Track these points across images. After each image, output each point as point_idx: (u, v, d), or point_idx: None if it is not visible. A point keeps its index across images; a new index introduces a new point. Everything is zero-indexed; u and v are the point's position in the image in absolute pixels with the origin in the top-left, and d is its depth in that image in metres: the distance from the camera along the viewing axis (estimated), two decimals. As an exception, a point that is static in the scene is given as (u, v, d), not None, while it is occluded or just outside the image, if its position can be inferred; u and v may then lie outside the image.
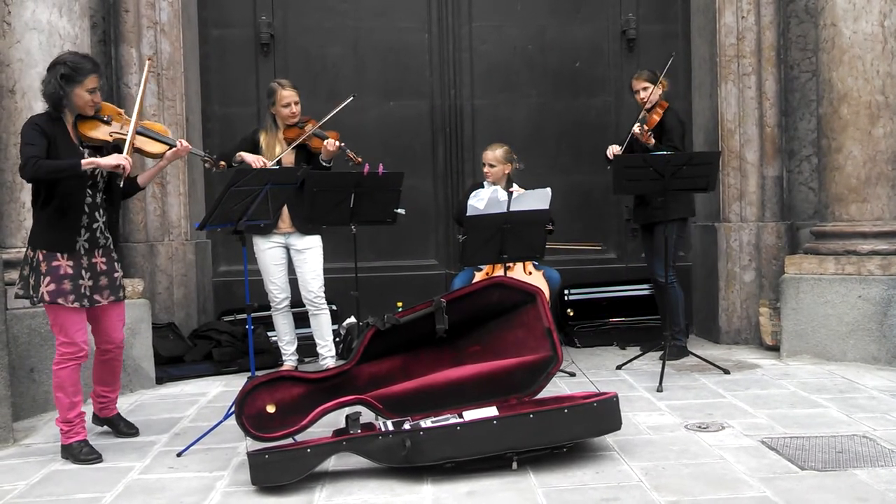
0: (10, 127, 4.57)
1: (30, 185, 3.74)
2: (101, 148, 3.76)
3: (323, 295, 5.06)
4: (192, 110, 5.94)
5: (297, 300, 5.15)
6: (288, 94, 4.98)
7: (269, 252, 5.03)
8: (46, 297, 3.59)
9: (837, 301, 5.19)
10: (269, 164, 4.83)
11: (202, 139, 6.13)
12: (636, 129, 5.19)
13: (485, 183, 5.45)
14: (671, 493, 3.10)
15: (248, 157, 4.83)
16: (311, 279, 5.02)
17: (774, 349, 5.53)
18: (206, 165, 4.16)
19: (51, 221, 3.64)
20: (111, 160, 3.60)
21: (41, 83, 3.74)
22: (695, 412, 4.17)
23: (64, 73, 3.60)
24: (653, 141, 5.20)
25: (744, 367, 5.16)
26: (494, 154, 5.38)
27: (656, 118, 5.30)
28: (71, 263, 3.65)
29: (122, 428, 4.07)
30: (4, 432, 3.96)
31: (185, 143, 3.95)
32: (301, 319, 5.24)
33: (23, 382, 4.37)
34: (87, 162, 3.56)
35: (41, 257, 3.63)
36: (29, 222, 4.53)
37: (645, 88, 5.34)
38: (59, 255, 3.63)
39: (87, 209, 3.70)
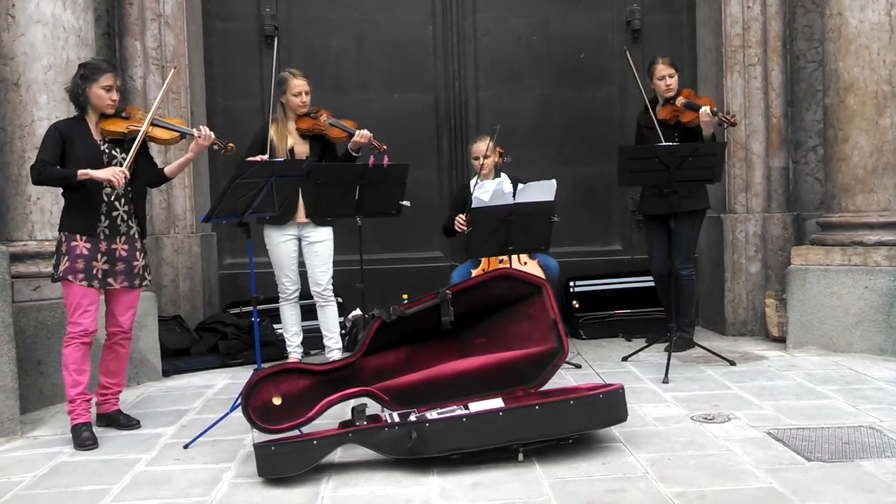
0: (14, 120, 4.58)
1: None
2: (122, 141, 4.01)
3: (331, 288, 5.08)
4: (197, 103, 5.94)
5: (304, 292, 5.16)
6: (299, 84, 5.00)
7: (283, 245, 5.02)
8: (60, 274, 3.86)
9: (844, 292, 5.18)
10: (281, 156, 4.84)
11: (207, 132, 6.13)
12: (706, 113, 4.93)
13: (476, 178, 5.37)
14: (677, 485, 3.10)
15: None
16: (320, 272, 5.03)
17: (780, 340, 5.52)
18: (220, 150, 4.25)
19: (73, 207, 3.92)
20: (103, 174, 3.80)
21: (65, 90, 4.05)
22: (701, 403, 4.17)
23: (83, 73, 3.94)
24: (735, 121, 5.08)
25: (750, 359, 5.16)
26: (483, 144, 5.22)
27: (709, 105, 5.05)
28: (88, 246, 3.88)
29: (122, 422, 4.11)
30: (12, 424, 3.98)
31: (206, 130, 4.10)
32: (307, 311, 5.25)
33: (30, 375, 4.39)
34: (82, 173, 3.79)
35: (64, 238, 3.90)
36: (35, 216, 4.62)
37: (671, 75, 5.21)
38: (78, 236, 3.88)
39: (105, 198, 3.91)
